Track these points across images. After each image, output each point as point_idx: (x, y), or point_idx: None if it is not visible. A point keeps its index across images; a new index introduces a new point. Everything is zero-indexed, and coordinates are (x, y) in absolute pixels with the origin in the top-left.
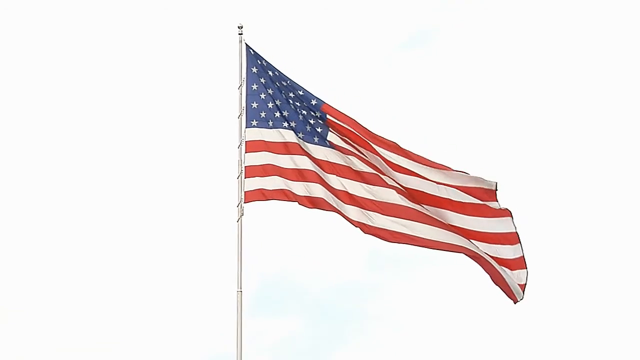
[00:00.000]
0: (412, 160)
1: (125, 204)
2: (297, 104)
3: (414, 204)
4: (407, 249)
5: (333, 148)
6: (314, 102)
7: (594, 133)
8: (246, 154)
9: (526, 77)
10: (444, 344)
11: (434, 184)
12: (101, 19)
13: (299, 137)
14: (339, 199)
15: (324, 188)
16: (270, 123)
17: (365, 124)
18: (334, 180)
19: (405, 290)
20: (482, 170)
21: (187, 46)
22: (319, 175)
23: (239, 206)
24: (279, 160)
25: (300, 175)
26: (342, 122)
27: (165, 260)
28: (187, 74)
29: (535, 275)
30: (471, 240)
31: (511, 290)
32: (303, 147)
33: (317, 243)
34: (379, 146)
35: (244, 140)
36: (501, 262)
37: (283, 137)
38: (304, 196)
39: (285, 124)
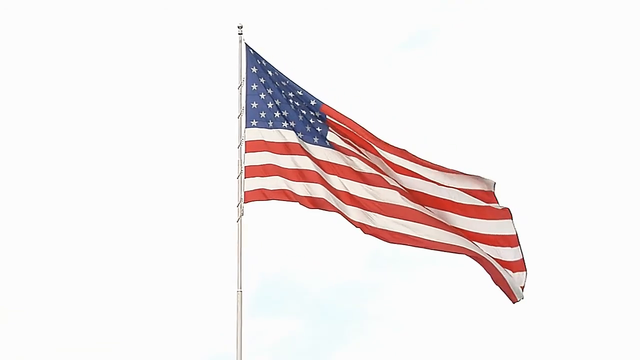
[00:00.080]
0: (413, 161)
1: (125, 204)
2: (297, 103)
3: (416, 205)
4: (407, 249)
5: (333, 148)
6: (313, 103)
7: (594, 133)
8: (246, 154)
9: (526, 77)
10: (444, 344)
11: (436, 185)
12: (101, 19)
13: (299, 137)
14: (340, 200)
15: (325, 188)
16: (270, 123)
17: (365, 125)
18: (335, 181)
19: (405, 290)
20: (482, 170)
21: (187, 46)
22: (320, 175)
23: (239, 206)
24: (279, 160)
25: (301, 175)
26: (341, 123)
27: (165, 260)
28: (187, 74)
29: (536, 275)
30: (474, 242)
31: (511, 290)
32: (303, 147)
33: (317, 243)
34: (379, 147)
35: (244, 140)
36: (503, 264)
37: (284, 137)
38: (305, 196)
39: (285, 124)
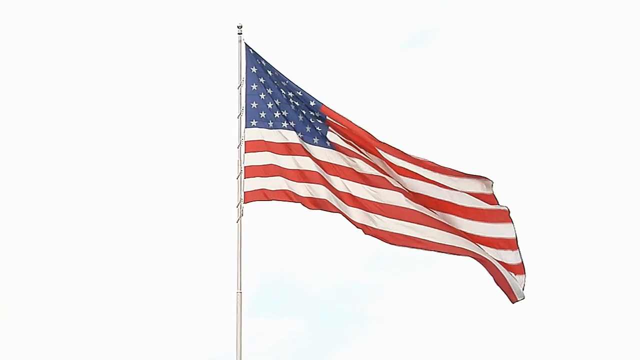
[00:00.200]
0: (413, 163)
1: (125, 204)
2: (297, 103)
3: (420, 206)
4: (407, 249)
5: (334, 149)
6: (312, 103)
7: (594, 133)
8: (246, 154)
9: (526, 77)
10: (444, 344)
11: (436, 186)
12: (101, 19)
13: (300, 138)
14: (342, 201)
15: (327, 189)
16: (270, 123)
17: (365, 126)
18: (337, 182)
19: (406, 290)
20: (482, 170)
21: (187, 46)
22: (321, 176)
23: (239, 206)
24: (280, 160)
25: (302, 176)
26: (341, 124)
27: (165, 261)
28: (187, 74)
29: (535, 275)
30: (477, 244)
31: (512, 291)
32: (305, 147)
33: (317, 243)
34: (380, 148)
35: (244, 141)
36: (506, 267)
37: (285, 137)
38: (307, 197)
39: (285, 124)
